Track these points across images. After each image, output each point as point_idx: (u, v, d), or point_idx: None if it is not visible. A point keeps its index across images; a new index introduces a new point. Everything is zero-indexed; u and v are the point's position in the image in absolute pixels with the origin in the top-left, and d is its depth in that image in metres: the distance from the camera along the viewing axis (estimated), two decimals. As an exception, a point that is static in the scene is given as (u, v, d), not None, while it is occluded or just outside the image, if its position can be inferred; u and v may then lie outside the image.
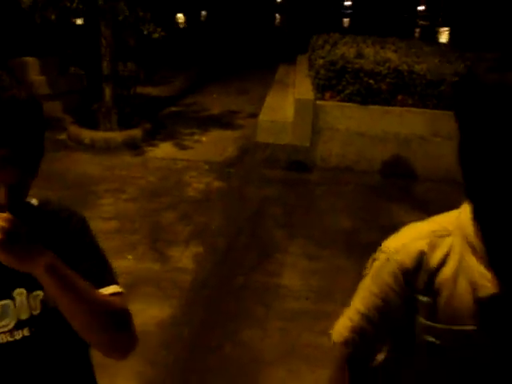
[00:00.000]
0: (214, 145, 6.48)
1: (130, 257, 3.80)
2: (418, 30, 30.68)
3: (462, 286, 0.95)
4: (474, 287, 0.93)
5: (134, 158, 5.88)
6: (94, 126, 6.41)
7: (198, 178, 5.40)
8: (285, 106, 6.22)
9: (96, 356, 2.93)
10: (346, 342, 1.08)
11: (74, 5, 5.58)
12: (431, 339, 0.97)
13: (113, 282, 1.09)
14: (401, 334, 1.06)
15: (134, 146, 6.20)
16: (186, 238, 4.15)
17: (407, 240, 0.99)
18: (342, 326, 1.09)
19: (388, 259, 0.99)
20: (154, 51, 9.68)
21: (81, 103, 7.44)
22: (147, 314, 3.18)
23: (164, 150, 6.23)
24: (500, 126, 0.81)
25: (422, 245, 0.96)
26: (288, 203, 4.95)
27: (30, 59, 7.41)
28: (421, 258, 0.96)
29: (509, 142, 0.80)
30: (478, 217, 0.94)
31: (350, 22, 31.02)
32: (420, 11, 35.98)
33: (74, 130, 6.40)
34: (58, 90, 7.59)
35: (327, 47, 6.43)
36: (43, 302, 1.03)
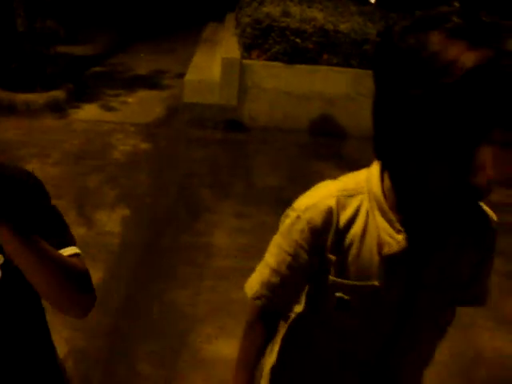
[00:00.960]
0: (140, 106, 6.34)
1: (54, 222, 3.72)
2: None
3: (368, 243, 0.98)
4: (379, 244, 0.96)
5: (57, 121, 5.68)
6: (12, 88, 6.10)
7: (124, 140, 5.29)
8: (212, 65, 6.16)
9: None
10: (257, 297, 1.10)
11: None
12: (340, 295, 1.01)
13: (71, 243, 1.10)
14: (312, 290, 1.11)
15: (57, 109, 5.96)
16: (113, 201, 4.10)
17: (317, 198, 1.01)
18: (254, 280, 1.11)
19: (298, 217, 1.01)
20: (77, 7, 9.24)
21: (-3, 63, 7.04)
22: (74, 278, 3.16)
23: (89, 112, 6.04)
24: (410, 87, 0.80)
25: (331, 203, 0.98)
26: (216, 163, 4.96)
27: None
28: (330, 216, 0.98)
29: (417, 103, 0.80)
30: (384, 176, 0.97)
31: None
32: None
33: (-9, 91, 6.07)
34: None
35: (254, 5, 6.36)
36: (3, 267, 1.02)
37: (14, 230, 0.88)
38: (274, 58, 5.54)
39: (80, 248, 3.55)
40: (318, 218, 0.98)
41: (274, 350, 1.24)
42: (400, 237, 0.94)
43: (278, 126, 5.71)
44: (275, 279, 1.07)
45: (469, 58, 0.75)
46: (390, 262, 0.96)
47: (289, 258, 1.04)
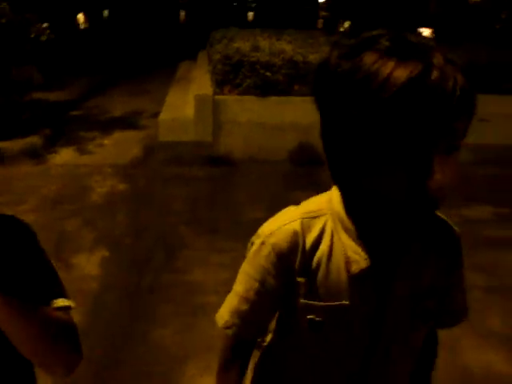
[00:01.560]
0: (117, 147, 6.37)
1: (31, 269, 3.68)
2: (320, 21, 31.51)
3: (336, 262, 0.98)
4: (347, 263, 0.97)
5: (34, 167, 5.67)
6: (-14, 137, 6.10)
7: (102, 182, 5.30)
8: (186, 103, 6.24)
9: None
10: (228, 326, 1.08)
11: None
12: (311, 317, 1.01)
13: (61, 295, 1.06)
14: (283, 315, 1.10)
15: (33, 155, 5.97)
16: (91, 244, 4.07)
17: (281, 223, 1.01)
18: (224, 309, 1.10)
19: (263, 243, 1.01)
20: (54, 54, 9.33)
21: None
22: (52, 325, 3.11)
23: (66, 156, 6.05)
24: (352, 112, 0.83)
25: (296, 226, 0.99)
26: (194, 199, 4.97)
27: None
28: (295, 239, 0.98)
29: (360, 121, 0.83)
30: (344, 196, 0.98)
31: (255, 15, 31.29)
32: (322, 3, 36.90)
33: (-34, 142, 6.06)
34: None
35: (224, 42, 6.50)
36: None
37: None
38: (245, 92, 5.64)
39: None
40: (282, 241, 0.99)
41: (247, 378, 1.22)
42: (365, 254, 0.96)
43: (254, 158, 5.76)
44: (245, 306, 1.06)
45: (400, 73, 0.79)
46: (358, 279, 0.97)
47: (256, 284, 1.03)
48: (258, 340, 1.18)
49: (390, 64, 0.81)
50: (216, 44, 6.73)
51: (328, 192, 1.04)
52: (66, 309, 1.06)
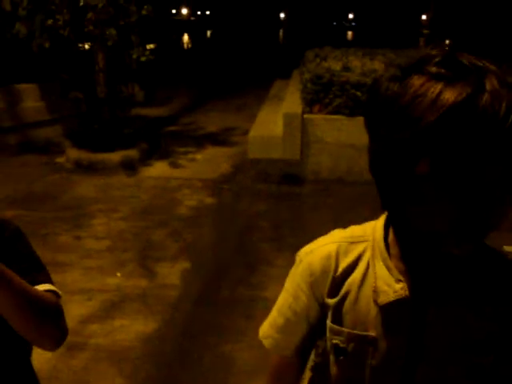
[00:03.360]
0: (208, 162, 6.59)
1: (118, 274, 3.89)
2: (422, 39, 30.83)
3: (366, 291, 0.95)
4: (375, 292, 0.93)
5: (129, 178, 6.01)
6: (92, 148, 6.56)
7: (191, 195, 5.49)
8: (276, 121, 6.32)
9: (79, 372, 3.00)
10: (265, 337, 1.10)
11: (66, 33, 5.75)
12: (336, 341, 0.99)
13: (47, 281, 1.16)
14: (318, 336, 1.07)
15: (130, 167, 6.33)
16: (175, 254, 4.23)
17: (321, 243, 1.02)
18: (265, 322, 1.12)
19: (301, 260, 1.03)
20: (156, 72, 9.88)
21: (80, 127, 7.62)
22: (132, 329, 3.26)
23: (159, 169, 6.36)
24: (397, 131, 0.80)
25: (332, 248, 0.99)
26: (278, 217, 5.01)
27: (29, 85, 7.64)
28: (328, 262, 0.98)
29: (406, 145, 0.79)
30: (392, 224, 0.95)
31: (354, 34, 31.18)
32: (423, 20, 36.12)
33: (72, 152, 6.55)
34: (59, 114, 7.80)
35: (317, 61, 6.53)
36: None
37: None
38: (335, 111, 5.62)
39: (139, 300, 3.67)
40: (316, 262, 1.00)
41: None
42: (398, 286, 0.90)
43: (341, 178, 5.71)
44: (280, 320, 1.08)
45: (448, 95, 0.76)
46: (386, 312, 0.92)
47: (290, 300, 1.05)
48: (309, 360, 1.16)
49: (438, 86, 0.77)
50: (308, 63, 6.78)
51: (379, 219, 1.01)
52: (53, 292, 1.14)
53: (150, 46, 7.86)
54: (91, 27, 5.87)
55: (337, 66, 5.87)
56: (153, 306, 3.52)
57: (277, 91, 8.41)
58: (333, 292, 0.98)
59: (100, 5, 5.66)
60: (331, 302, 0.99)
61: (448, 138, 0.76)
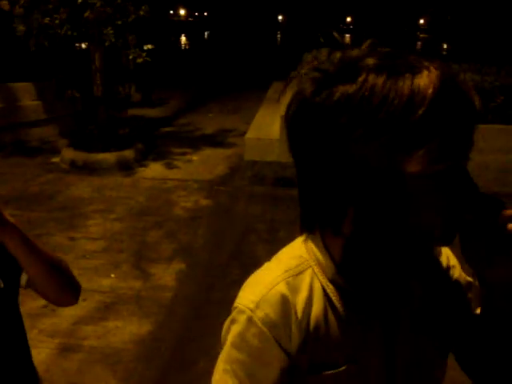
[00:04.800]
0: (204, 164, 6.57)
1: (113, 275, 3.87)
2: (419, 42, 30.92)
3: (334, 321, 0.85)
4: (342, 322, 0.85)
5: (124, 179, 5.98)
6: (88, 149, 6.54)
7: (187, 196, 5.48)
8: (273, 123, 6.31)
9: (73, 374, 2.97)
10: None
11: (63, 31, 5.73)
12: None
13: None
14: None
15: (126, 167, 6.31)
16: (170, 255, 4.21)
17: (264, 289, 0.84)
18: None
19: (249, 319, 0.83)
20: (154, 72, 9.88)
21: (76, 126, 7.60)
22: (126, 331, 3.24)
23: (155, 169, 6.34)
24: (383, 136, 0.72)
25: (282, 288, 0.83)
26: (274, 219, 5.00)
27: (25, 84, 7.58)
28: (286, 305, 0.83)
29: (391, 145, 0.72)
30: (331, 247, 0.86)
31: (352, 37, 31.25)
32: (421, 24, 36.24)
33: (67, 152, 6.52)
34: (55, 113, 7.76)
35: (314, 63, 6.52)
36: None
37: (21, 236, 1.12)
38: (332, 114, 5.60)
39: (134, 301, 3.69)
40: (273, 313, 0.82)
41: None
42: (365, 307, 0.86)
43: (337, 181, 5.70)
44: None
45: (422, 84, 0.71)
46: (360, 336, 0.86)
47: (254, 370, 0.84)
48: None
49: (404, 79, 0.71)
50: (306, 65, 6.78)
51: (298, 240, 0.92)
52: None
53: (148, 47, 7.87)
54: (88, 27, 5.84)
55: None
56: (147, 307, 3.50)
57: (274, 93, 8.40)
58: (302, 341, 0.84)
59: (98, 4, 5.64)
60: (304, 351, 0.84)
61: (439, 127, 0.71)
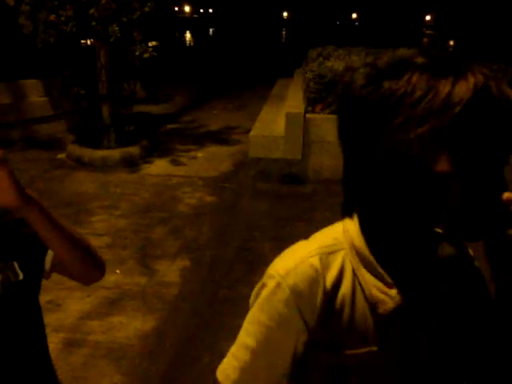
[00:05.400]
0: (209, 160, 6.58)
1: (118, 271, 3.88)
2: (425, 39, 30.80)
3: (360, 303, 0.87)
4: (371, 303, 0.87)
5: (129, 175, 6.00)
6: (93, 145, 6.56)
7: (191, 193, 5.49)
8: (278, 120, 6.31)
9: (77, 368, 2.99)
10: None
11: (68, 28, 5.74)
12: (335, 363, 0.89)
13: None
14: (304, 366, 0.93)
15: (131, 164, 6.33)
16: (175, 252, 4.22)
17: (297, 260, 0.88)
18: (230, 366, 0.94)
19: (278, 285, 0.87)
20: (159, 69, 9.88)
21: (82, 123, 7.62)
22: (131, 326, 3.26)
23: (160, 166, 6.35)
24: (416, 132, 0.74)
25: (315, 262, 0.87)
26: (279, 216, 5.00)
27: (32, 81, 7.60)
28: (316, 279, 0.86)
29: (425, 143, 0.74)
30: (367, 227, 0.89)
31: (357, 33, 31.16)
32: (427, 21, 36.06)
33: (73, 148, 6.54)
34: (61, 110, 7.79)
35: (319, 60, 6.52)
36: (2, 283, 1.15)
37: (40, 207, 1.09)
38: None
39: (138, 297, 3.68)
40: (302, 282, 0.86)
41: None
42: (393, 291, 0.86)
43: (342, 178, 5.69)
44: (258, 362, 0.90)
45: (460, 88, 0.74)
46: (386, 320, 0.87)
47: (272, 335, 0.88)
48: None
49: (445, 81, 0.74)
50: (311, 62, 6.77)
51: (338, 223, 0.94)
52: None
53: (153, 44, 7.86)
54: (94, 23, 5.85)
55: (339, 65, 5.85)
56: (152, 303, 3.51)
57: (279, 90, 8.39)
58: (326, 313, 0.87)
59: (103, 1, 5.65)
60: (323, 325, 0.87)
61: (469, 130, 0.73)
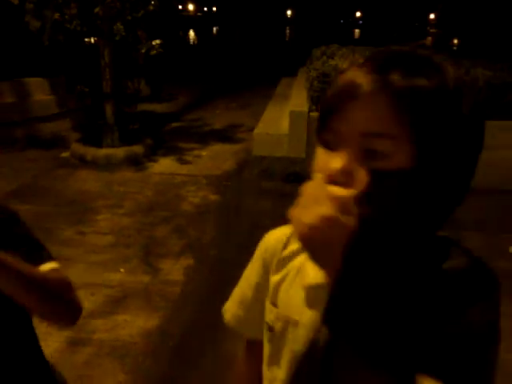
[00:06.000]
0: (213, 159, 6.58)
1: (122, 270, 3.89)
2: (429, 38, 30.70)
3: (300, 278, 0.94)
4: (304, 277, 0.93)
5: (133, 174, 6.01)
6: (97, 143, 6.57)
7: (195, 191, 5.49)
8: (282, 118, 6.30)
9: (81, 367, 2.99)
10: (226, 309, 1.16)
11: (72, 27, 5.75)
12: (268, 319, 0.99)
13: (49, 259, 1.19)
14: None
15: (135, 162, 6.33)
16: (178, 251, 4.22)
17: (282, 228, 1.04)
18: (229, 302, 1.17)
19: (262, 239, 1.09)
20: (163, 67, 9.89)
21: (86, 121, 7.63)
22: (134, 325, 3.26)
23: (164, 165, 6.35)
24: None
25: (286, 232, 1.01)
26: (282, 215, 4.95)
27: (38, 79, 7.61)
28: (280, 242, 1.02)
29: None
30: None
31: (361, 32, 31.07)
32: (431, 19, 35.93)
33: (77, 147, 6.55)
34: (65, 108, 7.80)
35: (323, 59, 6.51)
36: None
37: (8, 270, 0.98)
38: (341, 109, 5.59)
39: (142, 296, 3.66)
40: (270, 241, 1.05)
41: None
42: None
43: (346, 177, 5.68)
44: (239, 295, 1.13)
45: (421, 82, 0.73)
46: (312, 297, 0.90)
47: (247, 275, 1.11)
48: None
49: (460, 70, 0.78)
50: (315, 61, 6.76)
51: None
52: (57, 270, 1.17)
53: (156, 42, 7.87)
54: (98, 22, 5.86)
55: (343, 64, 5.84)
56: (155, 302, 3.51)
57: (283, 89, 8.39)
58: (276, 271, 1.01)
59: (107, -1, 5.65)
60: (273, 279, 1.01)
61: (432, 124, 0.73)
